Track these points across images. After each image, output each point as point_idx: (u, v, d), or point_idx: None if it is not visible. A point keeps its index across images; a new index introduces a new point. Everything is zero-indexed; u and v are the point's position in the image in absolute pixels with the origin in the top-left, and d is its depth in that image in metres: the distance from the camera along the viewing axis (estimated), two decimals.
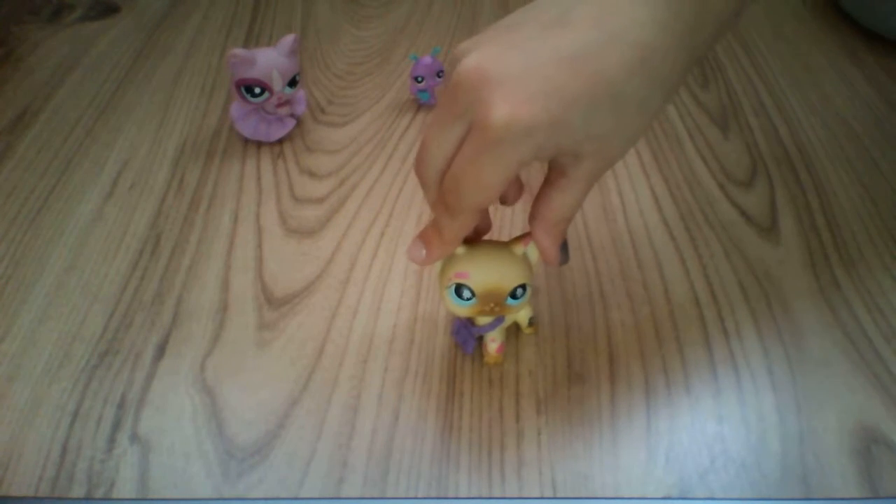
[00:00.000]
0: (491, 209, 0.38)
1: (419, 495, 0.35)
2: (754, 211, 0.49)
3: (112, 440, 0.37)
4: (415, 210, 0.50)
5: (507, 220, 0.49)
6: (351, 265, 0.46)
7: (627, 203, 0.50)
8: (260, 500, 0.35)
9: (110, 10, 0.74)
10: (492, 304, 0.35)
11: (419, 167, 0.34)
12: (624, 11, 0.30)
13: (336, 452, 0.36)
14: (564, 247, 0.36)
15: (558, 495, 0.35)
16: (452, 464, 0.36)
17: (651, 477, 0.35)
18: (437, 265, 0.37)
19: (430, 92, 0.58)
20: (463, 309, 0.36)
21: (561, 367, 0.40)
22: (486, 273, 0.35)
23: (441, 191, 0.33)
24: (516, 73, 0.29)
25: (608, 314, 0.43)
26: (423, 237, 0.35)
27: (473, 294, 0.35)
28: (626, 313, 0.43)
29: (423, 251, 0.35)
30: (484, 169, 0.30)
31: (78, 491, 0.35)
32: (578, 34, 0.30)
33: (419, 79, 0.57)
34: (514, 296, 0.35)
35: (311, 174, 0.53)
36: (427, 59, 0.56)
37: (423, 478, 0.35)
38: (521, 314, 0.40)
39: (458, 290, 0.35)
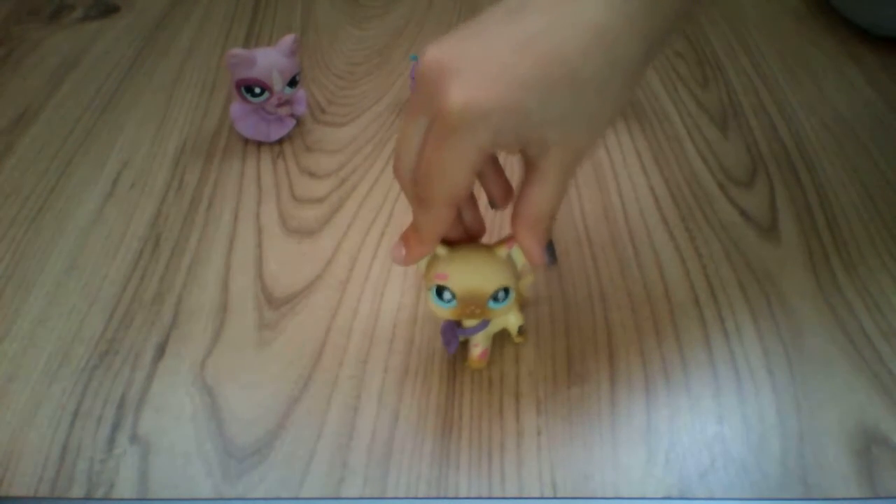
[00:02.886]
0: (483, 213, 0.38)
1: (419, 495, 0.35)
2: (754, 211, 0.49)
3: (112, 440, 0.37)
4: None
5: (503, 223, 0.49)
6: (351, 265, 0.46)
7: (627, 203, 0.50)
8: (260, 500, 0.35)
9: (110, 10, 0.74)
10: (472, 307, 0.35)
11: (395, 167, 0.34)
12: None
13: (336, 452, 0.36)
14: (550, 248, 0.35)
15: (558, 495, 0.35)
16: (452, 464, 0.36)
17: (651, 477, 0.35)
18: (423, 266, 0.37)
19: None
20: (444, 311, 0.36)
21: (561, 367, 0.40)
22: (466, 275, 0.35)
23: (415, 185, 0.33)
24: (472, 60, 0.30)
25: (608, 314, 0.43)
26: (404, 238, 0.35)
27: (454, 296, 0.35)
28: (626, 313, 0.43)
29: (404, 251, 0.35)
30: (446, 157, 0.31)
31: (78, 491, 0.35)
32: (534, 19, 0.31)
33: None
34: (495, 299, 0.35)
35: (311, 174, 0.53)
36: None
37: (423, 478, 0.35)
38: (511, 321, 0.39)
39: (439, 291, 0.35)
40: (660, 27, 0.33)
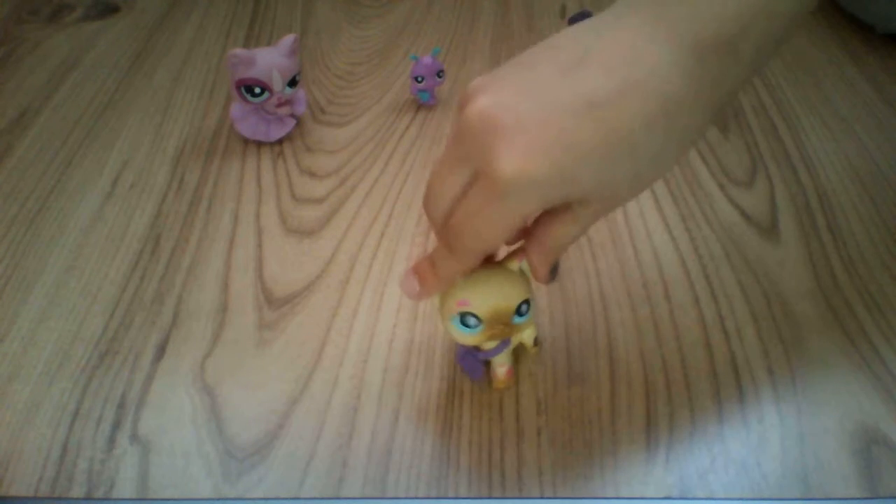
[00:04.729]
0: None
1: (419, 495, 0.35)
2: (754, 211, 0.49)
3: (112, 440, 0.37)
4: (415, 210, 0.50)
5: None
6: (351, 265, 0.46)
7: (627, 203, 0.50)
8: (260, 500, 0.35)
9: (110, 10, 0.74)
10: (500, 326, 0.35)
11: (426, 204, 0.33)
12: (646, 56, 0.29)
13: (336, 452, 0.36)
14: (555, 267, 0.35)
15: (558, 495, 0.35)
16: (452, 464, 0.36)
17: (651, 477, 0.35)
18: (436, 297, 0.36)
19: (431, 92, 0.58)
20: (472, 337, 0.35)
21: (561, 367, 0.40)
22: (488, 296, 0.34)
23: (445, 228, 0.32)
24: (526, 121, 0.28)
25: (608, 314, 0.43)
26: (418, 272, 0.35)
27: (480, 320, 0.34)
28: (626, 313, 0.43)
29: (417, 286, 0.35)
30: (487, 220, 0.30)
31: (78, 491, 0.35)
32: (596, 81, 0.29)
33: (419, 79, 0.57)
34: (519, 313, 0.35)
35: (311, 174, 0.53)
36: (427, 59, 0.56)
37: (423, 478, 0.35)
38: (526, 334, 0.39)
39: (463, 318, 0.34)
40: (724, 96, 0.31)
